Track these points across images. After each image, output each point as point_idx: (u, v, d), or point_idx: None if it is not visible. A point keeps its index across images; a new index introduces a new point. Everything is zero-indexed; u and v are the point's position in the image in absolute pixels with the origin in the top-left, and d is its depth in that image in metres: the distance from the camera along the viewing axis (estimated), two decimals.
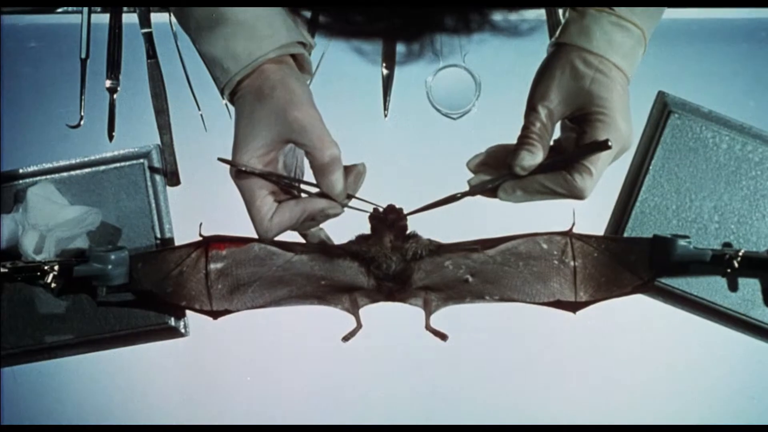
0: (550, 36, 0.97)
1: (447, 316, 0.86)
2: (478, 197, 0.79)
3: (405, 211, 0.81)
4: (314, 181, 0.75)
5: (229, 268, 0.86)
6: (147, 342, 0.93)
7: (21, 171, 0.94)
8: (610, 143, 0.72)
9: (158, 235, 0.93)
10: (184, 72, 0.97)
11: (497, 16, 0.98)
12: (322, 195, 0.75)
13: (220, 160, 0.74)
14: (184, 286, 0.85)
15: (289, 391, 0.94)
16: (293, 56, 0.76)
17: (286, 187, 0.76)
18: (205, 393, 0.95)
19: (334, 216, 0.76)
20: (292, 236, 0.84)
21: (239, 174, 0.73)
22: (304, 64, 0.77)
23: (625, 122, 0.74)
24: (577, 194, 0.74)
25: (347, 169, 0.75)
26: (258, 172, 0.73)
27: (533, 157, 0.74)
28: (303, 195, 0.77)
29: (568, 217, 0.83)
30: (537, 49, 0.81)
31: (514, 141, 0.77)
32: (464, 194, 0.79)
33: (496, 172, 0.78)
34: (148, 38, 0.99)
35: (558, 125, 0.78)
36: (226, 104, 0.95)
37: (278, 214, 0.74)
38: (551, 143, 0.77)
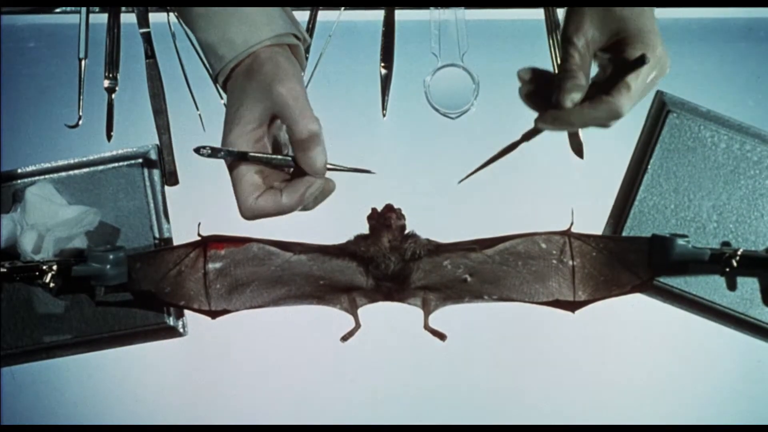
0: (548, 35, 0.97)
1: (446, 315, 0.86)
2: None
3: (470, 169, 0.78)
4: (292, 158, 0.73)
5: (227, 268, 0.86)
6: (145, 342, 0.93)
7: (19, 171, 0.94)
8: (646, 58, 0.71)
9: (157, 235, 0.93)
10: (182, 72, 0.97)
11: (496, 16, 0.98)
12: (301, 173, 0.73)
13: (197, 151, 0.73)
14: (182, 286, 0.85)
15: (287, 391, 0.94)
16: (289, 48, 0.76)
17: (270, 165, 0.74)
18: (203, 392, 0.95)
19: (317, 192, 0.74)
20: (292, 236, 0.84)
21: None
22: (299, 57, 0.77)
23: (660, 45, 0.74)
24: (615, 111, 0.73)
25: None
26: (236, 152, 0.72)
27: (578, 87, 0.74)
28: (288, 172, 0.75)
29: (567, 216, 0.83)
30: (535, 48, 0.81)
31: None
32: (521, 140, 0.78)
33: (538, 92, 0.77)
34: (147, 38, 0.99)
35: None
36: (224, 104, 0.95)
37: (264, 198, 0.73)
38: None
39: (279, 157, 0.74)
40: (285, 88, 0.71)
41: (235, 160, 0.72)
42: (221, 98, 0.95)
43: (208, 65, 0.76)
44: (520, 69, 0.78)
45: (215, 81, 0.76)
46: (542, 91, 0.77)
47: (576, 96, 0.74)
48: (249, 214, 0.73)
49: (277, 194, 0.73)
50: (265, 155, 0.73)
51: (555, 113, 0.75)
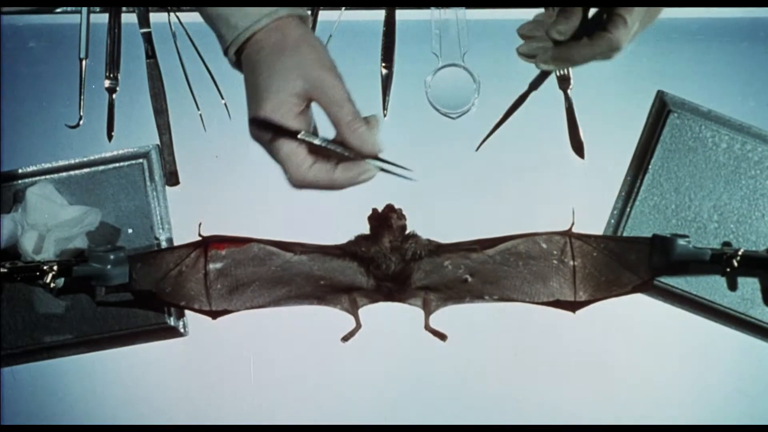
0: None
1: (446, 316, 0.86)
2: None
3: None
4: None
5: (228, 268, 0.86)
6: (146, 342, 0.93)
7: (20, 171, 0.94)
8: None
9: (157, 235, 0.93)
10: (183, 72, 0.97)
11: (497, 15, 0.98)
12: (351, 157, 0.71)
13: (254, 121, 0.70)
14: (183, 286, 0.85)
15: (288, 391, 0.94)
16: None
17: (319, 147, 0.73)
18: (204, 392, 0.95)
19: (369, 178, 0.72)
20: (293, 236, 0.84)
21: (262, 124, 0.70)
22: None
23: None
24: (613, 44, 0.72)
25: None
26: (293, 130, 0.69)
27: (567, 21, 0.72)
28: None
29: (568, 216, 0.83)
30: None
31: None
32: (529, 90, 0.77)
33: (542, 40, 0.76)
34: (147, 38, 0.99)
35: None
36: (225, 104, 0.95)
37: (317, 168, 0.71)
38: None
39: (335, 143, 0.72)
40: (324, 73, 0.70)
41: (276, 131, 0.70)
42: (222, 98, 0.95)
43: (217, 36, 0.75)
44: (520, 26, 0.77)
45: (225, 53, 0.75)
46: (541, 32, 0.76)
47: (563, 28, 0.72)
48: (300, 183, 0.72)
49: (331, 167, 0.71)
50: (326, 142, 0.71)
51: (554, 51, 0.74)
